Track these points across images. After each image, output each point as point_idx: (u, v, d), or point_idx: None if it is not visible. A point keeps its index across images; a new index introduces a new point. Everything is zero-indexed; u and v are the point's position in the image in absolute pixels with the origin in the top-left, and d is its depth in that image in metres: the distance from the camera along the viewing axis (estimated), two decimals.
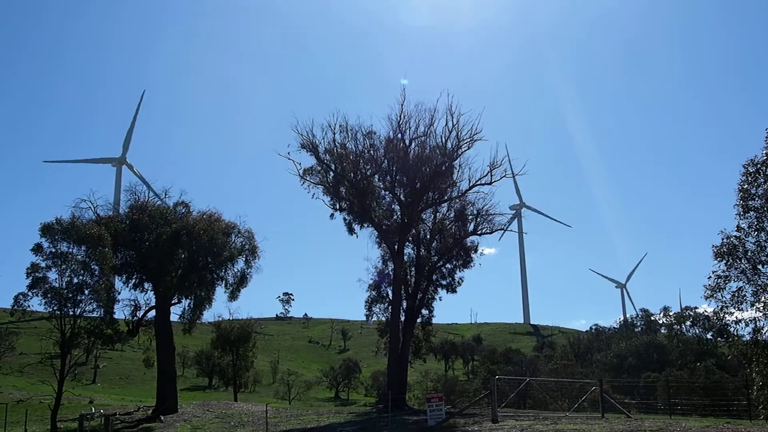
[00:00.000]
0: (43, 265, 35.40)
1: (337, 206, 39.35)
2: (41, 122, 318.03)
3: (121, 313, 40.53)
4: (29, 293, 35.60)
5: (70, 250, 35.78)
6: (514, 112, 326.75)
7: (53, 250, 35.46)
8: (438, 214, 40.93)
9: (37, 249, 35.42)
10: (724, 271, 25.54)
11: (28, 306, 36.47)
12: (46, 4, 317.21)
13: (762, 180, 23.87)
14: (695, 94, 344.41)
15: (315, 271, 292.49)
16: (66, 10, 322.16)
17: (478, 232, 39.35)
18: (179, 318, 42.10)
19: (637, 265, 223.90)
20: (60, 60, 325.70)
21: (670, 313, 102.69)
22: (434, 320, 43.89)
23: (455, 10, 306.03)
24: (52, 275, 35.57)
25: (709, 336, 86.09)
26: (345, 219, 39.94)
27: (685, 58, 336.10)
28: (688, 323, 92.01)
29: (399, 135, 37.21)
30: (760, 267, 24.21)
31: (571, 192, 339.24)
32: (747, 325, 26.89)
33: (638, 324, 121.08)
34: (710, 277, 26.06)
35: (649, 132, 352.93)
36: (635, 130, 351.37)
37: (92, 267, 36.11)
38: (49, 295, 35.14)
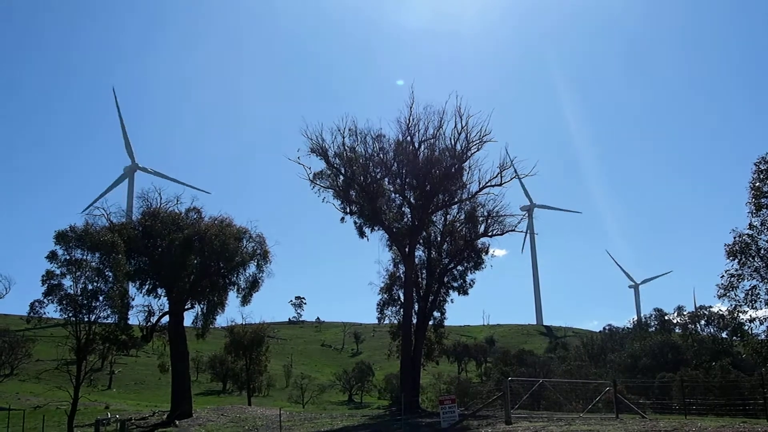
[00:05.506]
0: (57, 272, 35.72)
1: (348, 210, 39.30)
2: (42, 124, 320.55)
3: (135, 318, 41.12)
4: (45, 300, 36.00)
5: (85, 257, 36.09)
6: (516, 114, 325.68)
7: (68, 258, 35.76)
8: (448, 216, 40.91)
9: (52, 256, 35.69)
10: (737, 270, 25.42)
11: (44, 313, 36.87)
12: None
13: None
14: (703, 93, 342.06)
15: (327, 275, 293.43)
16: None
17: (489, 234, 39.29)
18: (192, 323, 42.47)
19: (657, 276, 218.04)
20: (63, 61, 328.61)
21: (684, 313, 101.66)
22: (446, 322, 43.96)
23: (457, 13, 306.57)
24: (67, 282, 35.95)
25: (724, 335, 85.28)
26: (355, 222, 39.91)
27: (690, 57, 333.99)
28: (702, 322, 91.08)
29: (408, 138, 37.30)
30: None
31: (577, 193, 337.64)
32: (761, 323, 26.75)
33: (652, 324, 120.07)
34: (723, 275, 25.92)
35: (658, 132, 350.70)
36: (643, 130, 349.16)
37: (106, 273, 36.39)
38: (64, 302, 35.43)
